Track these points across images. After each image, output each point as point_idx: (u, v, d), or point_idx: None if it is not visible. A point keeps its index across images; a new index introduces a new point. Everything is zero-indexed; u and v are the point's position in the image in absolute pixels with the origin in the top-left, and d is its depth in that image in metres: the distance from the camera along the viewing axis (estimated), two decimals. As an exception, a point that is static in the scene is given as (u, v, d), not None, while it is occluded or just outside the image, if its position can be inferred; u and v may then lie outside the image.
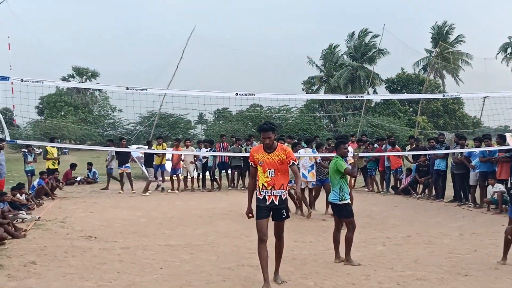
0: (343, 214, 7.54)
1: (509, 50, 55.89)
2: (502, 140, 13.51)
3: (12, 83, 9.21)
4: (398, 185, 16.66)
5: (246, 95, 9.71)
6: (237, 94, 9.47)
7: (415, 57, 53.60)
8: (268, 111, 40.10)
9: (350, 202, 7.70)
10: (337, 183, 7.53)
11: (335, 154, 7.95)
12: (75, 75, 63.21)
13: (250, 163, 6.50)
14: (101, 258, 7.91)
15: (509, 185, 12.40)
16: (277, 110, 40.00)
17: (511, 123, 44.37)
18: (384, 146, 17.60)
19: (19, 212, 11.64)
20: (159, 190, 17.56)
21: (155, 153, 17.51)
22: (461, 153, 13.88)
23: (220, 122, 48.50)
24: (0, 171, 13.35)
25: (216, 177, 18.26)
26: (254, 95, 9.92)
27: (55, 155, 17.47)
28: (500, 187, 12.31)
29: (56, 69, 72.57)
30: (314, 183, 12.37)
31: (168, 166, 18.42)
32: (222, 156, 17.86)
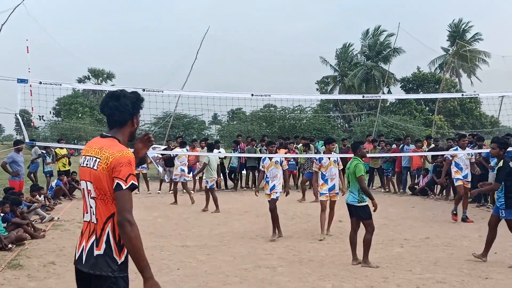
0: (362, 216, 7.45)
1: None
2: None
3: (30, 86, 9.31)
4: (416, 186, 16.51)
5: (261, 95, 9.69)
6: (252, 95, 9.47)
7: (431, 56, 53.17)
8: (282, 111, 39.96)
9: (367, 204, 7.54)
10: (356, 185, 7.45)
11: (353, 155, 7.85)
12: (91, 76, 63.71)
13: None
14: (118, 259, 7.94)
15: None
16: (291, 110, 39.84)
17: (529, 122, 43.98)
18: (401, 146, 17.47)
19: (36, 209, 11.71)
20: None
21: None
22: (480, 153, 13.71)
23: (235, 122, 48.52)
24: (19, 172, 13.51)
25: (237, 177, 18.57)
26: (269, 95, 9.89)
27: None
28: (519, 187, 12.12)
29: (72, 70, 73.32)
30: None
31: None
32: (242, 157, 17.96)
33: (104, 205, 3.28)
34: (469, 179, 11.50)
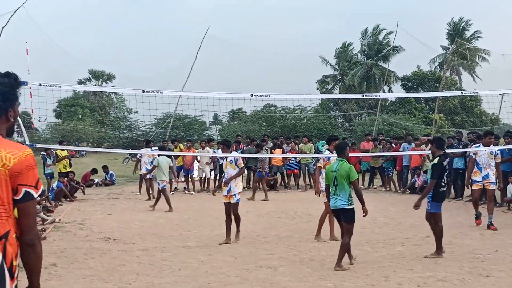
0: (347, 219, 7.24)
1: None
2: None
3: (30, 88, 9.32)
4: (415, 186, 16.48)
5: (261, 95, 9.69)
6: (252, 95, 9.45)
7: (431, 54, 53.13)
8: (282, 111, 39.99)
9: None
10: (346, 189, 7.22)
11: (338, 158, 7.53)
12: (91, 78, 63.71)
13: None
14: (120, 260, 7.97)
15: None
16: (292, 110, 39.88)
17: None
18: (402, 145, 17.45)
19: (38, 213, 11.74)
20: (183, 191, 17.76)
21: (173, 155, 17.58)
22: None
23: (235, 122, 48.53)
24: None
25: None
26: (269, 95, 9.89)
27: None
28: (519, 185, 12.15)
29: (73, 71, 73.27)
30: None
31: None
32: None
33: None
34: (491, 180, 10.47)
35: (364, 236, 9.39)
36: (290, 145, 18.06)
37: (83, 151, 47.42)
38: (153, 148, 16.66)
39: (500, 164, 12.79)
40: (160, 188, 13.55)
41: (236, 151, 18.26)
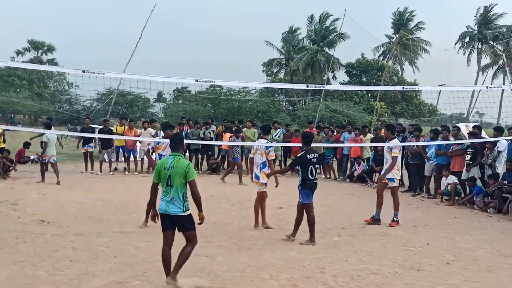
0: (188, 226, 6.06)
1: (466, 40, 57.46)
2: (457, 131, 13.96)
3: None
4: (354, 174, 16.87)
5: (206, 81, 9.53)
6: (197, 81, 9.23)
7: (375, 43, 54.34)
8: (227, 92, 39.88)
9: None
10: (182, 189, 5.99)
11: (173, 152, 6.28)
12: (30, 48, 61.14)
13: None
14: (53, 245, 7.74)
15: (462, 177, 12.73)
16: (237, 92, 39.84)
17: (465, 111, 45.83)
18: (343, 133, 17.76)
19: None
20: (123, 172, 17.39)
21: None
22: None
23: (180, 102, 48.02)
24: None
25: None
26: (214, 82, 9.74)
27: None
28: (453, 179, 12.66)
29: (10, 41, 70.10)
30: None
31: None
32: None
33: None
34: (389, 176, 10.12)
35: (303, 224, 9.48)
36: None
37: (19, 123, 45.61)
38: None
39: (437, 157, 13.33)
40: (53, 162, 14.75)
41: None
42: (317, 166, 8.58)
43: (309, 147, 8.67)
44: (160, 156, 9.85)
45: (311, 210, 8.42)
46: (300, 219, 8.52)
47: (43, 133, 15.36)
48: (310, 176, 8.36)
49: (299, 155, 8.62)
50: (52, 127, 17.04)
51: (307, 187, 8.41)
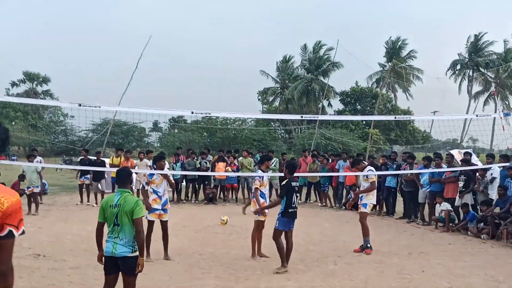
0: (130, 270, 5.53)
1: (458, 67, 58.25)
2: (451, 158, 14.14)
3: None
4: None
5: (201, 113, 9.64)
6: (192, 113, 9.35)
7: (369, 71, 55.04)
8: (223, 121, 40.12)
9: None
10: (130, 230, 5.56)
11: (119, 188, 5.99)
12: (25, 80, 61.55)
13: None
14: (50, 279, 7.73)
15: (456, 203, 12.85)
16: (233, 121, 40.07)
17: (459, 137, 46.18)
18: (338, 161, 17.88)
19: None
20: None
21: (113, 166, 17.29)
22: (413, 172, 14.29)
23: (175, 131, 48.17)
24: None
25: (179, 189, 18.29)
26: (209, 114, 9.86)
27: None
28: (447, 206, 12.76)
29: (5, 72, 70.65)
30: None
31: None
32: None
33: None
34: (362, 202, 10.22)
35: (299, 254, 9.54)
36: (229, 159, 18.13)
37: (14, 155, 45.58)
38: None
39: (430, 184, 13.47)
40: (35, 192, 15.12)
41: (175, 164, 18.18)
42: (297, 194, 8.73)
43: (292, 175, 8.77)
44: (155, 191, 9.40)
45: (279, 237, 8.45)
46: (281, 247, 8.45)
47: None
48: (292, 204, 8.45)
49: (283, 182, 8.69)
50: (37, 156, 17.58)
51: (290, 215, 8.48)
